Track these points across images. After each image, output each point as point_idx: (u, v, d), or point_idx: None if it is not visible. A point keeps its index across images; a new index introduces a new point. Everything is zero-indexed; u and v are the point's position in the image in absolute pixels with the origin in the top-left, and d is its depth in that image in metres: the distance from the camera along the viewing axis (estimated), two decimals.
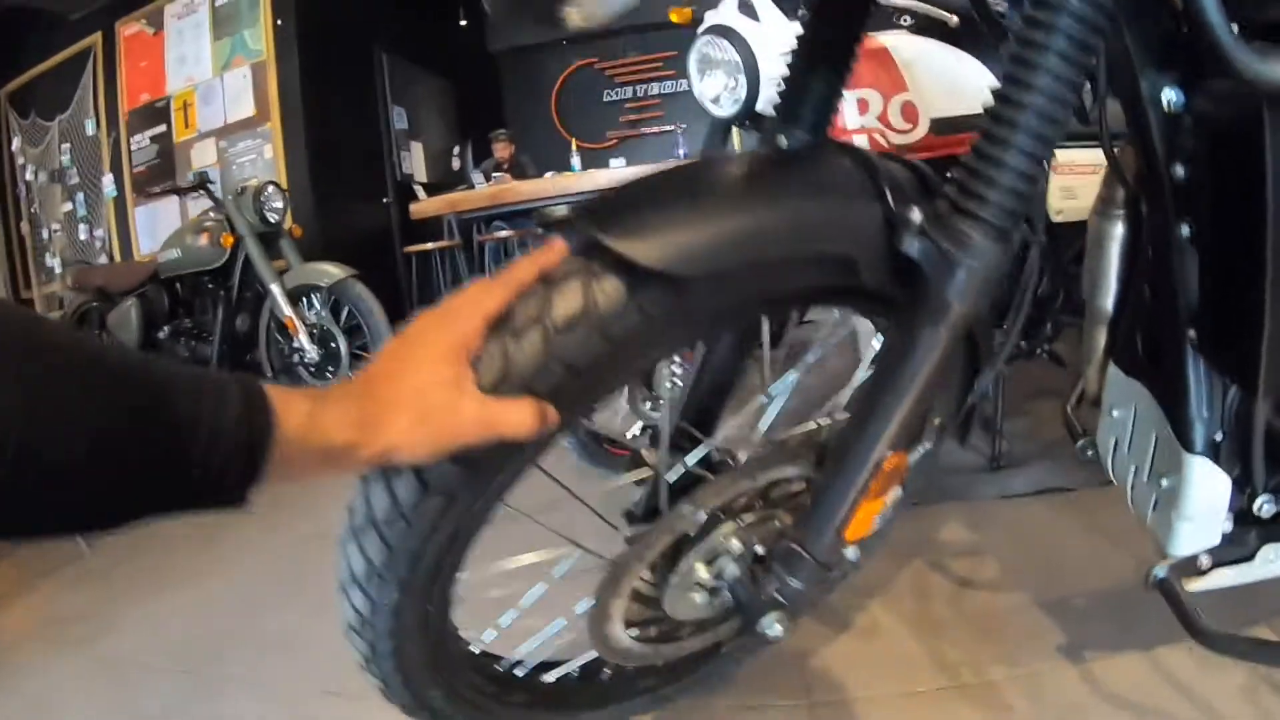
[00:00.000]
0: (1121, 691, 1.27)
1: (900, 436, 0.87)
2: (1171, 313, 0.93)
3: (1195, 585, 1.02)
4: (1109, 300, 1.07)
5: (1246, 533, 1.02)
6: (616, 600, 1.03)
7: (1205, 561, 1.02)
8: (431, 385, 0.67)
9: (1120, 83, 0.85)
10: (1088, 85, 0.86)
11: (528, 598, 1.12)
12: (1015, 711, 1.26)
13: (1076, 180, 1.95)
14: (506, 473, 0.82)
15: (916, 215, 0.79)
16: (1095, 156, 1.53)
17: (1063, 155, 1.93)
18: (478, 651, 1.12)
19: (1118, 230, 1.04)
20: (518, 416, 0.70)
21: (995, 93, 0.78)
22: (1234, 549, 1.02)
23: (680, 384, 1.28)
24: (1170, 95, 0.82)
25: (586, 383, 0.77)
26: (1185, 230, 0.88)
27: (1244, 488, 0.99)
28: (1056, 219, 1.97)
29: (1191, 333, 0.91)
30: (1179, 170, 0.86)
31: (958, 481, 2.15)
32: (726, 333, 1.17)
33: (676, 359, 2.00)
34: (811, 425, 1.05)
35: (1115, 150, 0.97)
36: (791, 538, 0.95)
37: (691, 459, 1.06)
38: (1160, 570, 1.01)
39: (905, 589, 1.66)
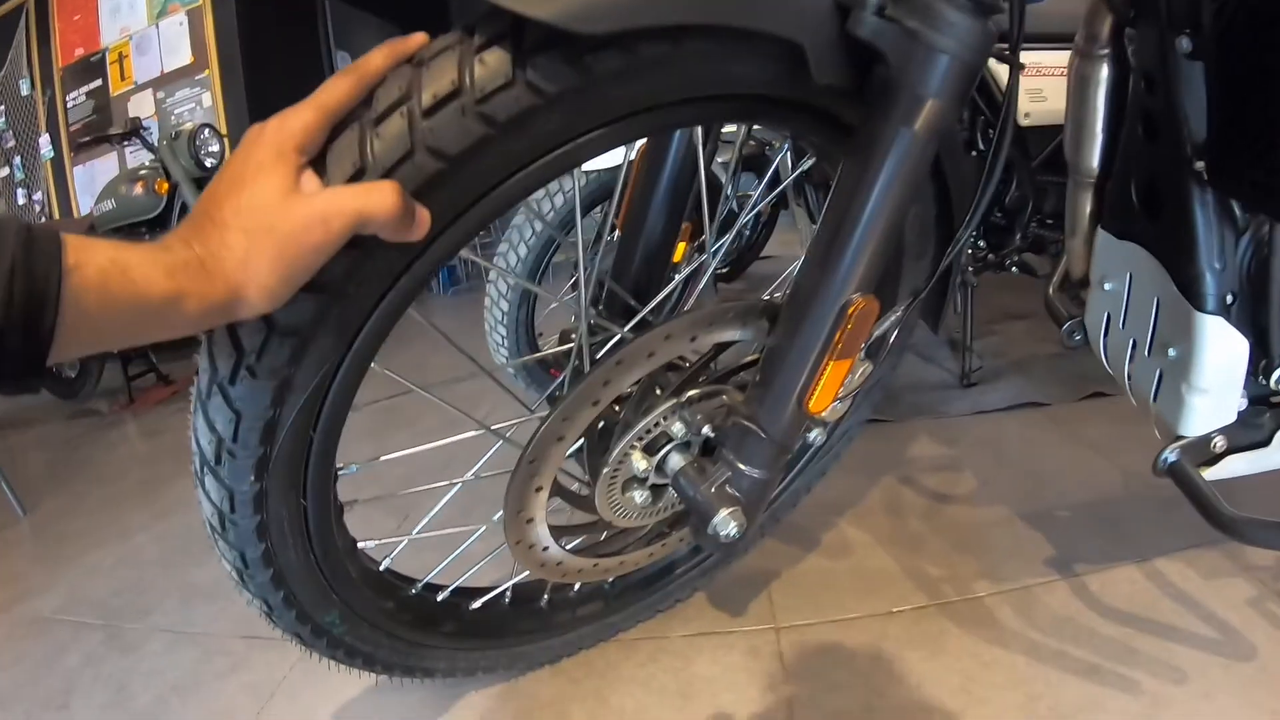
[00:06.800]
0: (1118, 605, 1.18)
1: (868, 276, 0.74)
2: (1174, 147, 0.81)
3: (1207, 474, 0.92)
4: (1094, 157, 0.95)
5: (1261, 413, 0.92)
6: (537, 497, 0.88)
7: (1220, 444, 0.92)
8: (259, 196, 0.53)
9: None
10: None
11: (440, 502, 0.97)
12: (1005, 628, 1.16)
13: (1046, 82, 1.83)
14: (368, 309, 0.67)
15: None
16: (1064, 59, 1.39)
17: (1031, 57, 1.81)
18: (384, 569, 0.97)
19: (1102, 73, 0.90)
20: (369, 196, 0.55)
21: None
22: (1248, 431, 0.93)
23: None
24: None
25: (466, 178, 0.63)
26: (1186, 44, 0.75)
27: (1259, 358, 0.88)
28: (1024, 122, 1.84)
29: (1199, 164, 0.79)
30: None
31: (928, 398, 2.06)
32: (648, 136, 1.02)
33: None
34: (764, 297, 0.90)
35: None
36: (743, 414, 0.82)
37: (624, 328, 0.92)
38: (1171, 454, 0.91)
39: (877, 505, 1.56)
